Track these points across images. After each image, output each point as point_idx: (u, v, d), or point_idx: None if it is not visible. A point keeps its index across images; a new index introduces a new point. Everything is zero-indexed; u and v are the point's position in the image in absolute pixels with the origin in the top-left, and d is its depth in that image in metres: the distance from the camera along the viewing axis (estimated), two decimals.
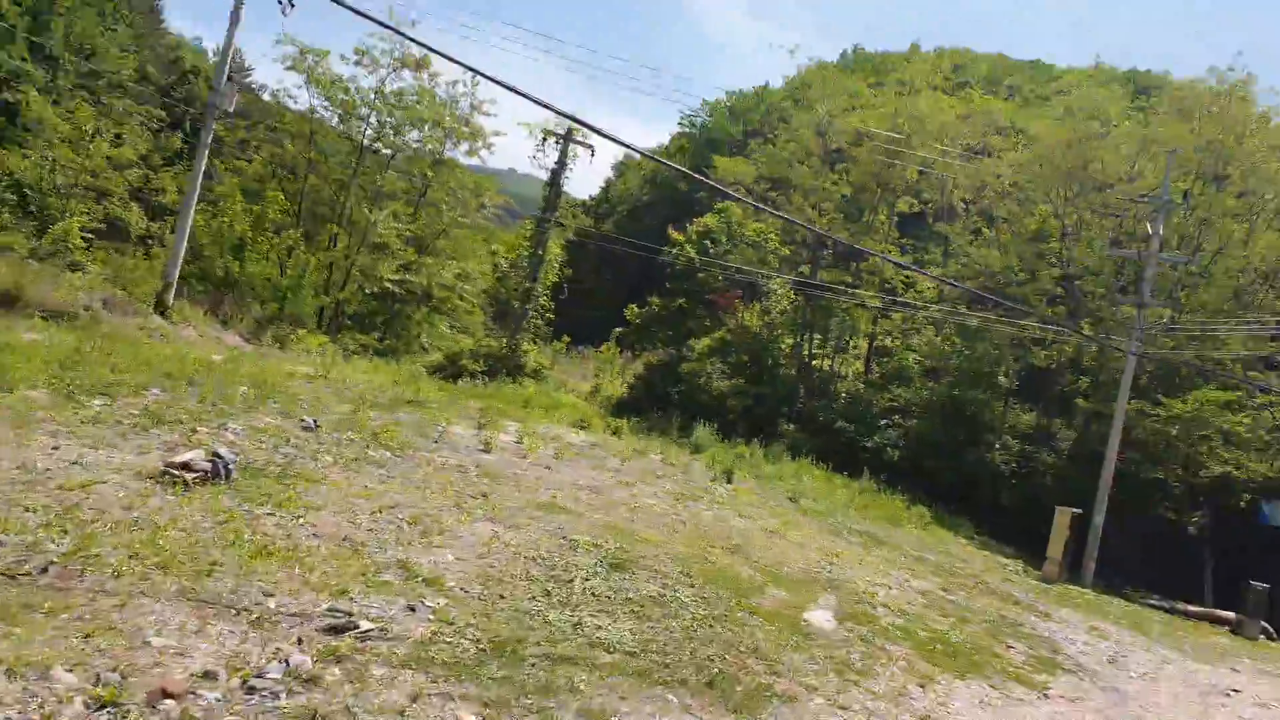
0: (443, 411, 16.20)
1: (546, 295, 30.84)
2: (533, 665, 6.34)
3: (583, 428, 21.66)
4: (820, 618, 9.66)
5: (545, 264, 29.32)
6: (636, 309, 33.31)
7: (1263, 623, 25.25)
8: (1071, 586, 22.98)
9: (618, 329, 34.69)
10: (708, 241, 31.47)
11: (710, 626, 8.23)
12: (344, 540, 8.06)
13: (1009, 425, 29.40)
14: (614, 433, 22.34)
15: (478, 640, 6.54)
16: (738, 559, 11.34)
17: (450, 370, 25.44)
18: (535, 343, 30.62)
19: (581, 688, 6.15)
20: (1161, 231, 25.88)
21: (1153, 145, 30.56)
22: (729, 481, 18.32)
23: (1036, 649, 11.98)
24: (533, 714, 5.53)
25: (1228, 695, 12.45)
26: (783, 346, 31.29)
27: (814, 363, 31.89)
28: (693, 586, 9.25)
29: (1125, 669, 12.34)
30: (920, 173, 33.99)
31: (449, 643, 6.38)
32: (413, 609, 6.89)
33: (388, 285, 28.33)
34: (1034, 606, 15.65)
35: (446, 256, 31.41)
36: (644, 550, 10.12)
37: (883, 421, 29.38)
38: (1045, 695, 9.53)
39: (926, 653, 9.78)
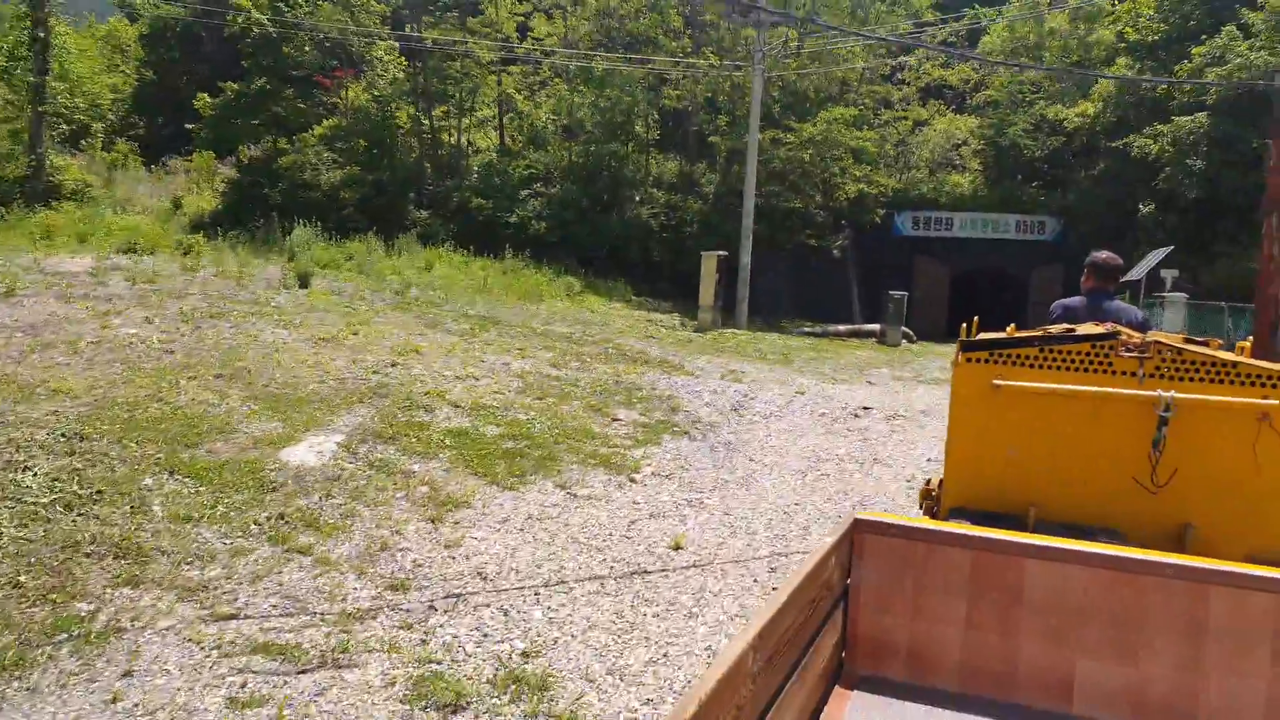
0: None
1: (73, 90, 23.92)
2: None
3: (132, 251, 16.81)
4: (308, 452, 6.63)
5: (56, 50, 22.26)
6: (209, 99, 26.97)
7: (903, 328, 26.32)
8: (727, 331, 22.17)
9: (190, 125, 28.18)
10: (282, 4, 25.56)
11: (47, 524, 4.89)
12: None
13: (653, 177, 27.60)
14: (186, 252, 17.66)
15: None
16: (226, 387, 7.96)
17: None
18: (83, 155, 23.93)
19: None
20: None
21: None
22: (303, 286, 14.63)
23: (650, 413, 9.93)
24: None
25: (857, 416, 11.34)
26: (400, 122, 26.89)
27: (441, 136, 27.87)
28: (71, 454, 5.79)
29: (749, 412, 10.73)
30: None
31: None
32: None
33: None
34: (667, 361, 13.87)
35: None
36: (29, 411, 6.44)
37: (523, 192, 26.44)
38: (632, 479, 7.33)
39: (477, 462, 7.16)
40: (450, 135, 28.07)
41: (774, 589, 3.51)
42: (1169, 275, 21.99)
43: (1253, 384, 3.06)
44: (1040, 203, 28.55)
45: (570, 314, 19.07)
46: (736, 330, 22.75)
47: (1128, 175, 26.33)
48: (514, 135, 29.36)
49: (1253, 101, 23.57)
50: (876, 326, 26.72)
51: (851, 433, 10.28)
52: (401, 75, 27.32)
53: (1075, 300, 4.34)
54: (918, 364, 19.98)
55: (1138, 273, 22.36)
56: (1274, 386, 3.03)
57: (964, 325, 3.75)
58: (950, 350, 3.35)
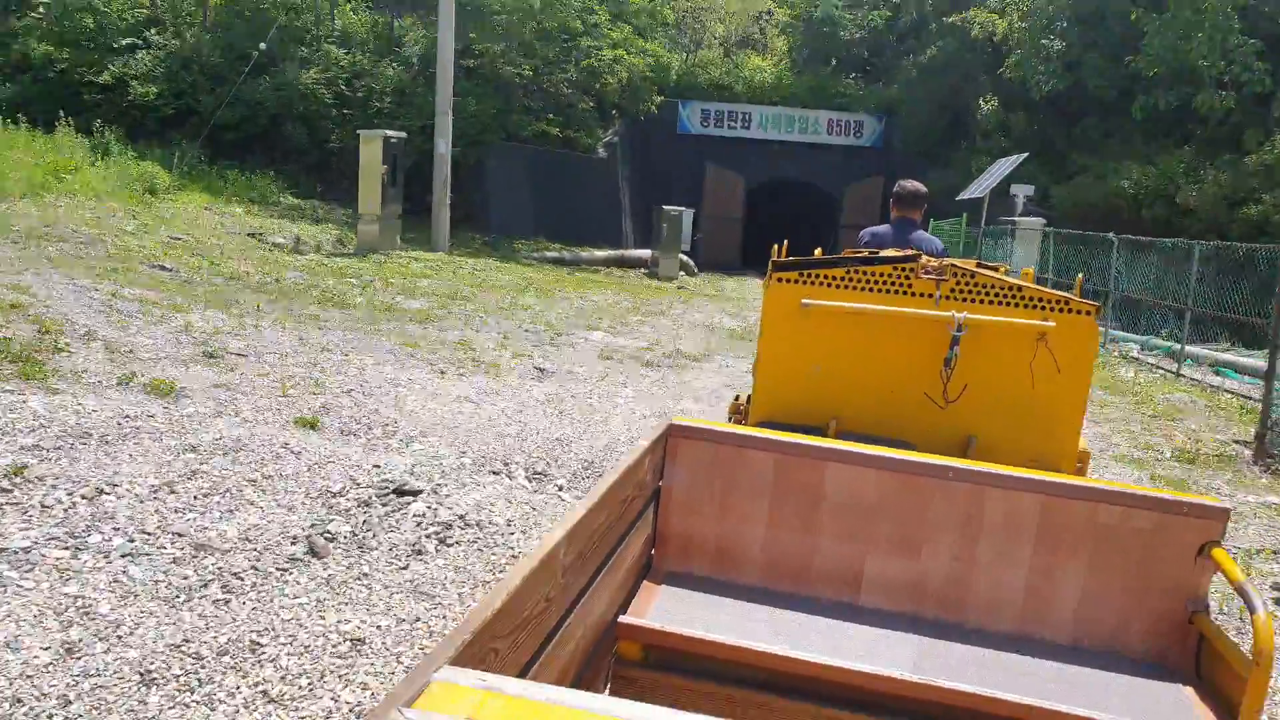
0: None
1: None
2: None
3: None
4: None
5: None
6: None
7: (682, 255, 19.63)
8: (404, 255, 14.70)
9: None
10: None
11: None
12: None
13: (335, 31, 19.34)
14: None
15: None
16: None
17: None
18: None
19: None
20: None
21: None
22: None
23: None
24: None
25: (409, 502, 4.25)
26: None
27: None
28: None
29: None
30: None
31: None
32: None
33: None
34: (175, 358, 6.27)
35: None
36: None
37: (126, 40, 17.69)
38: None
39: None
40: None
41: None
42: (1020, 193, 16.15)
43: (1035, 307, 3.16)
44: (858, 97, 22.35)
45: (96, 226, 10.99)
46: (421, 254, 15.25)
47: (966, 62, 20.36)
48: None
49: None
50: (647, 252, 19.96)
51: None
52: None
53: (883, 228, 4.40)
54: (677, 314, 13.24)
55: (979, 188, 16.36)
56: (1052, 310, 3.14)
57: (775, 246, 3.70)
58: (739, 286, 4.41)
